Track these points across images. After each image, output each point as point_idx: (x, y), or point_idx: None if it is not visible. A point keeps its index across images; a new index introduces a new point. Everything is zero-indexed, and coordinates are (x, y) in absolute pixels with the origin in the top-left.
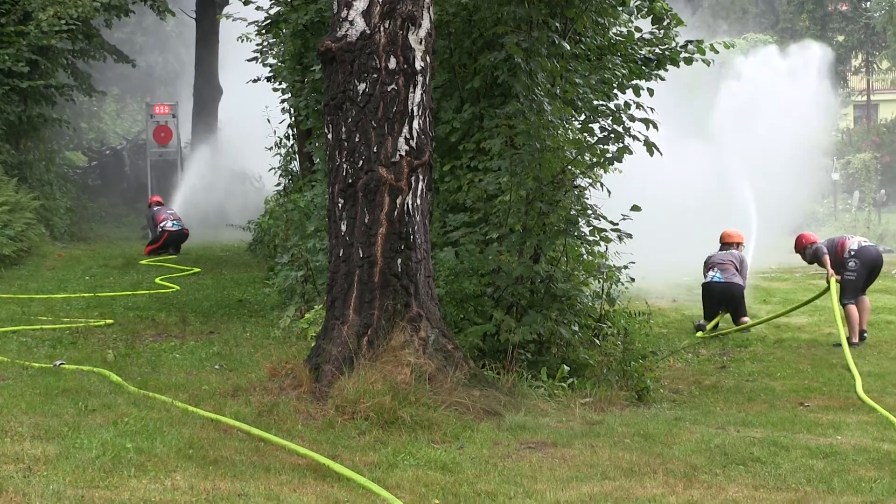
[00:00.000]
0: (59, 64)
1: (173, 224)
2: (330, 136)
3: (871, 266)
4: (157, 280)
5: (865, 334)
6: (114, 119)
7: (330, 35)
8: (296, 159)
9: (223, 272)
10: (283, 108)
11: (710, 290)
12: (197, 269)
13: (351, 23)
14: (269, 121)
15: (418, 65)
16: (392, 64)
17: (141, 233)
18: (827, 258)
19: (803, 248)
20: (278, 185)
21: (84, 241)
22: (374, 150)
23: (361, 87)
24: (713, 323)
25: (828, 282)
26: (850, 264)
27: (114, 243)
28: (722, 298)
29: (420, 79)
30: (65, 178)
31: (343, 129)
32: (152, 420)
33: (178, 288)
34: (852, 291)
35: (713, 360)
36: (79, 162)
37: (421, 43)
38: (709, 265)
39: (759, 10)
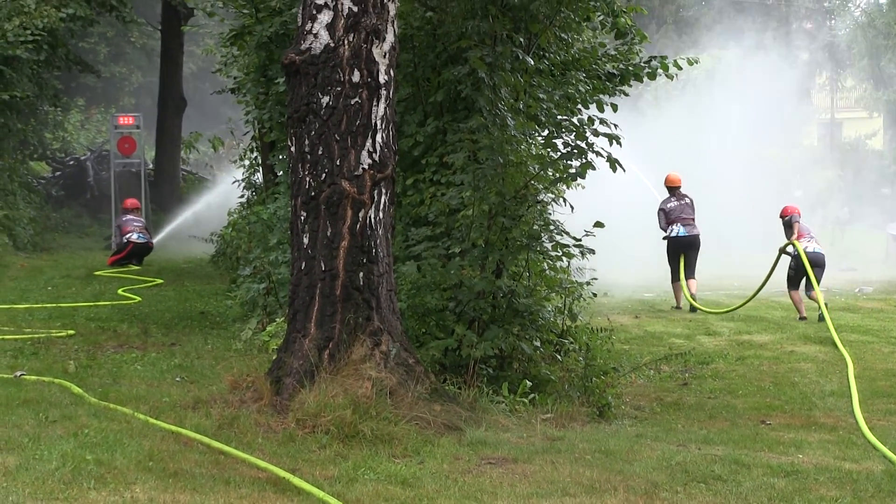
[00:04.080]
0: (25, 74)
1: (139, 236)
2: (293, 148)
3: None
4: (119, 291)
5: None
6: (78, 129)
7: (294, 48)
8: (259, 171)
9: (185, 284)
10: (247, 121)
11: (677, 243)
12: (159, 281)
13: (315, 36)
14: (232, 132)
15: (382, 78)
16: (356, 77)
17: (104, 243)
18: (797, 228)
19: (787, 215)
20: (241, 196)
21: (47, 251)
22: (337, 163)
23: (325, 99)
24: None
25: (792, 245)
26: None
27: (76, 254)
28: (685, 249)
29: (384, 92)
30: (28, 188)
31: (306, 142)
32: (112, 432)
33: (139, 299)
34: (793, 282)
35: (675, 376)
36: (43, 172)
37: (385, 56)
38: (671, 220)
39: (724, 26)
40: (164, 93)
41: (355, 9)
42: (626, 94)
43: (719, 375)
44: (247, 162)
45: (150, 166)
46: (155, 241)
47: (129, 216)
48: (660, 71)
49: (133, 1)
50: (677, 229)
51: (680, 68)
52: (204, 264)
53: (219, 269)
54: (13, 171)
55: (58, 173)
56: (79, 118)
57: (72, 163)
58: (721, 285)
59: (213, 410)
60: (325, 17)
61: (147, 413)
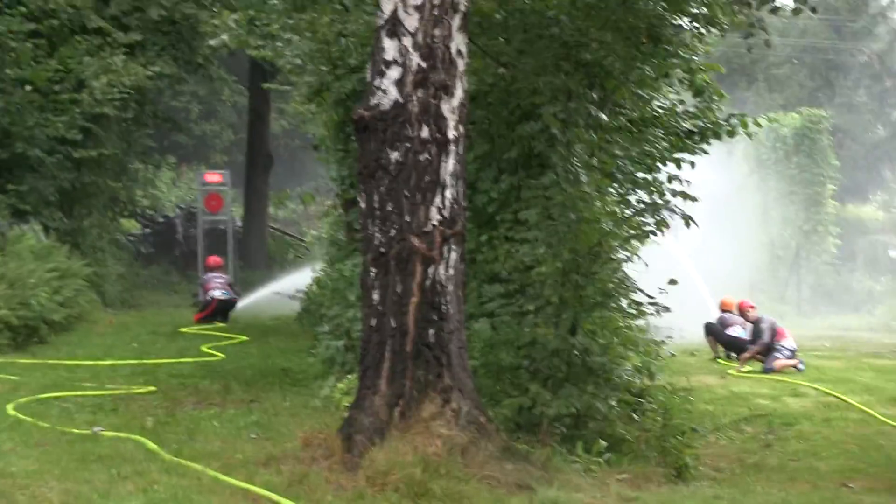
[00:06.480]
0: (113, 132)
1: (222, 292)
2: (363, 204)
3: None
4: (202, 348)
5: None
6: (169, 187)
7: (363, 104)
8: (343, 228)
9: (269, 341)
10: (332, 178)
11: (732, 340)
12: (244, 338)
13: (384, 92)
14: (317, 190)
15: (451, 134)
16: (425, 133)
17: (192, 300)
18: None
19: (748, 311)
20: (326, 254)
21: (135, 307)
22: (407, 219)
23: (394, 155)
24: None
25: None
26: (785, 352)
27: (164, 310)
28: (736, 349)
29: (453, 148)
30: (118, 245)
31: (376, 198)
32: (182, 488)
33: (223, 356)
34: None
35: (758, 438)
36: (133, 229)
37: (454, 112)
38: (728, 323)
39: (816, 84)
40: (251, 150)
41: (424, 65)
42: (706, 153)
43: (804, 437)
44: (331, 219)
45: (239, 223)
46: (248, 300)
47: (212, 273)
48: (739, 129)
49: (223, 59)
50: (737, 331)
51: (759, 125)
52: (290, 322)
53: (303, 326)
54: (103, 228)
55: (147, 230)
56: (170, 175)
57: (161, 220)
58: (813, 346)
59: (285, 467)
60: (393, 73)
61: (219, 469)
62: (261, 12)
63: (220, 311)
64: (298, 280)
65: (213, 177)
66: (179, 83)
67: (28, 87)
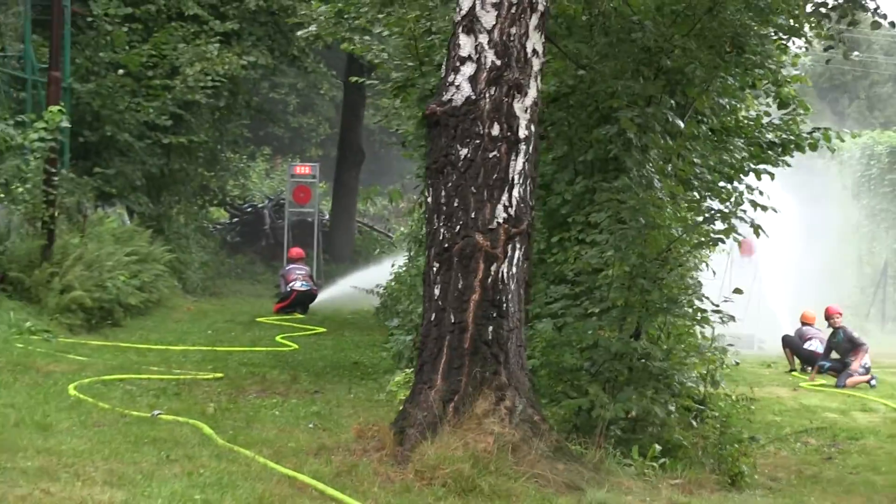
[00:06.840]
0: (205, 120)
1: (302, 284)
2: (430, 199)
3: None
4: (277, 338)
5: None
6: (261, 178)
7: (436, 99)
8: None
9: (345, 334)
10: (417, 174)
11: (809, 355)
12: (321, 329)
13: (457, 87)
14: (402, 185)
15: (522, 133)
16: (495, 131)
17: (274, 290)
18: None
19: (834, 317)
20: (410, 250)
21: (216, 295)
22: (472, 215)
23: (463, 152)
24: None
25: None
26: (859, 368)
27: (245, 300)
28: (813, 364)
29: (523, 147)
30: (203, 233)
31: (442, 193)
32: (229, 473)
33: (296, 347)
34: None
35: (820, 450)
36: (221, 218)
37: (526, 111)
38: (807, 336)
39: None
40: (343, 144)
41: (498, 62)
42: (789, 165)
43: (866, 451)
44: (415, 215)
45: (326, 216)
46: (329, 293)
47: (293, 265)
48: (822, 142)
49: (321, 53)
50: (815, 345)
51: (842, 140)
52: (369, 316)
53: (381, 321)
54: (189, 215)
55: (235, 220)
56: (264, 167)
57: (249, 210)
58: (891, 363)
59: (335, 458)
60: (467, 69)
61: (269, 457)
62: (350, 6)
63: (299, 302)
64: (378, 275)
65: (303, 169)
66: (275, 74)
67: (121, 71)
